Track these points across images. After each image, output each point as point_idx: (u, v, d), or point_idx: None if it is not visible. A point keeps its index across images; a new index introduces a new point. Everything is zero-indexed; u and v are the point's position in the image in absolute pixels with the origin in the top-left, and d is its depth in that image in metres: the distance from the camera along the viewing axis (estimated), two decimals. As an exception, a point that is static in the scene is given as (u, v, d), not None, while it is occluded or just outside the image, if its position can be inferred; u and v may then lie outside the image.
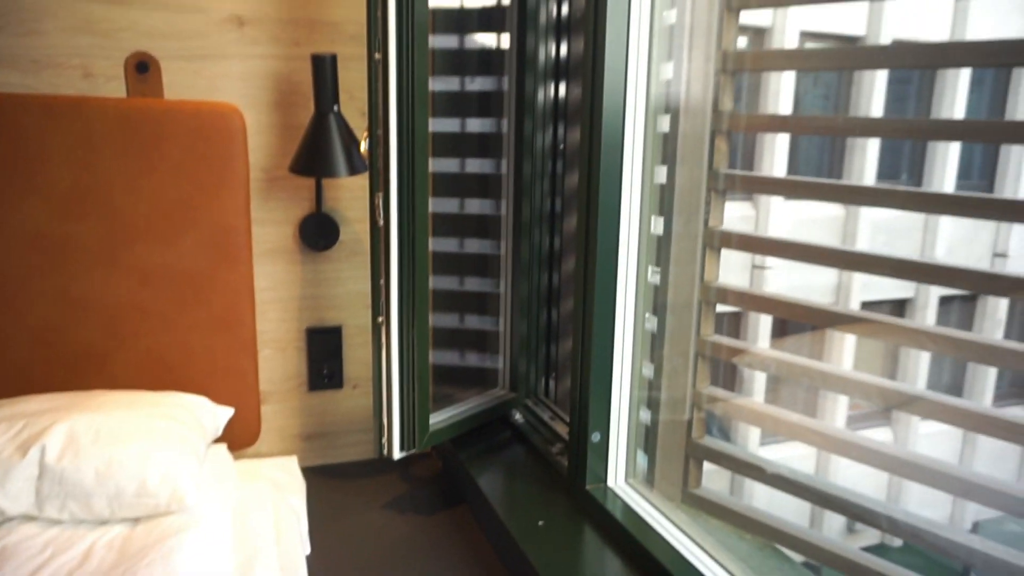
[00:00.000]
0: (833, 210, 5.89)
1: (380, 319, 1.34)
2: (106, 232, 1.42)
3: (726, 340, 1.11)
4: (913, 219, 5.84)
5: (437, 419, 1.48)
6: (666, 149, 1.18)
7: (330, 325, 1.64)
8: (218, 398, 1.51)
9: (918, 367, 5.85)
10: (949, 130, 0.90)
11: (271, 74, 1.50)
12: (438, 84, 1.46)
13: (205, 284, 1.49)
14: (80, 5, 1.38)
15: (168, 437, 1.21)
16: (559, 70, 1.54)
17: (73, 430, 1.18)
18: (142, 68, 1.43)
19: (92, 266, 1.43)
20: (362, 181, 1.58)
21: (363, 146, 1.43)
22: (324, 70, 1.37)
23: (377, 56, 1.24)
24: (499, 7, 1.50)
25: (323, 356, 1.64)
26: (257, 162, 1.53)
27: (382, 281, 1.32)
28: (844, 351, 5.38)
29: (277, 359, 1.62)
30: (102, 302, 1.44)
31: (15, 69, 1.37)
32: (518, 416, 1.61)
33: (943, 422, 0.91)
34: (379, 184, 1.28)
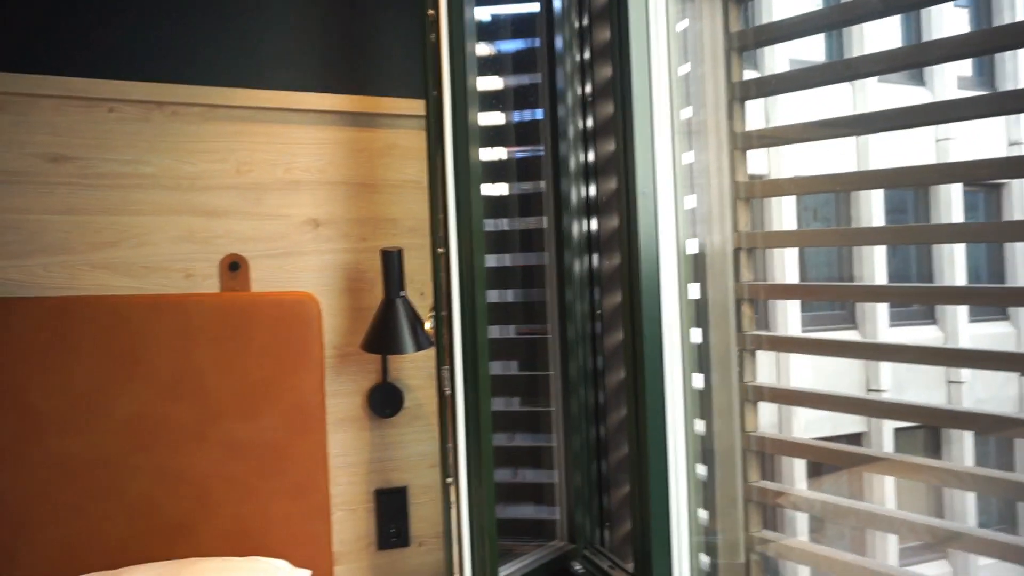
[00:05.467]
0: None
1: (449, 480, 1.46)
2: (199, 411, 1.59)
3: (771, 485, 1.22)
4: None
5: (504, 573, 1.56)
6: (698, 313, 1.35)
7: (396, 486, 1.76)
8: (295, 561, 1.61)
9: (966, 497, 5.71)
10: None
11: (342, 265, 1.73)
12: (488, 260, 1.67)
13: (284, 454, 1.63)
14: (184, 219, 1.63)
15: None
16: (591, 244, 1.76)
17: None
18: (234, 267, 1.66)
19: (185, 442, 1.58)
20: (424, 353, 1.76)
21: (427, 324, 1.63)
22: (392, 262, 1.59)
23: (440, 250, 1.45)
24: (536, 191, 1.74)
25: (390, 516, 1.75)
26: (330, 340, 1.72)
27: (450, 444, 1.46)
28: (887, 484, 5.30)
29: (348, 520, 1.73)
30: (193, 475, 1.59)
31: (128, 275, 1.60)
32: (578, 567, 1.68)
33: (993, 558, 0.97)
34: (445, 358, 1.45)
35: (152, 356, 1.56)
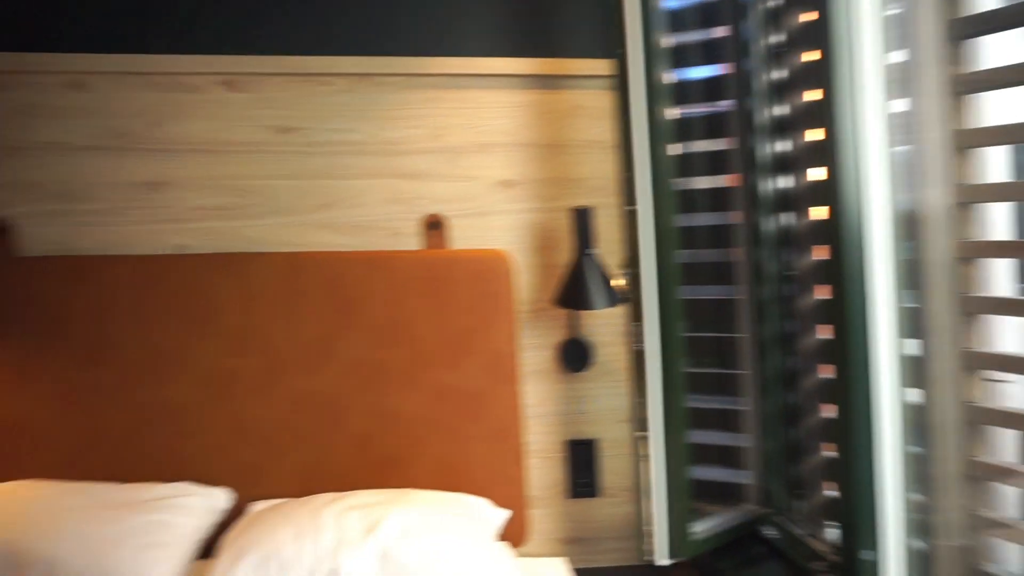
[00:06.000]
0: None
1: (640, 434, 1.49)
2: (409, 357, 1.74)
3: (995, 461, 1.12)
4: None
5: (694, 530, 1.57)
6: (911, 273, 1.24)
7: (586, 438, 1.82)
8: (495, 501, 1.72)
9: None
10: None
11: (532, 224, 1.79)
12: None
13: (484, 401, 1.75)
14: (389, 182, 1.77)
15: (470, 533, 1.44)
16: (783, 202, 1.66)
17: (402, 520, 1.45)
18: (434, 226, 1.78)
19: (398, 385, 1.74)
20: (612, 310, 1.78)
21: (617, 282, 1.64)
22: (582, 220, 1.62)
23: (630, 207, 1.46)
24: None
25: (581, 466, 1.82)
26: (521, 296, 1.80)
27: (641, 400, 1.48)
28: None
29: (541, 468, 1.82)
30: (404, 415, 1.74)
31: (344, 233, 1.77)
32: (770, 532, 1.65)
33: None
34: (636, 314, 1.47)
35: (368, 307, 1.72)
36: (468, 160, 1.77)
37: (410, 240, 1.78)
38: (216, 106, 1.71)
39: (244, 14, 1.70)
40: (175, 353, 1.70)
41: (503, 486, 1.75)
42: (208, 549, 1.61)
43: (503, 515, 1.70)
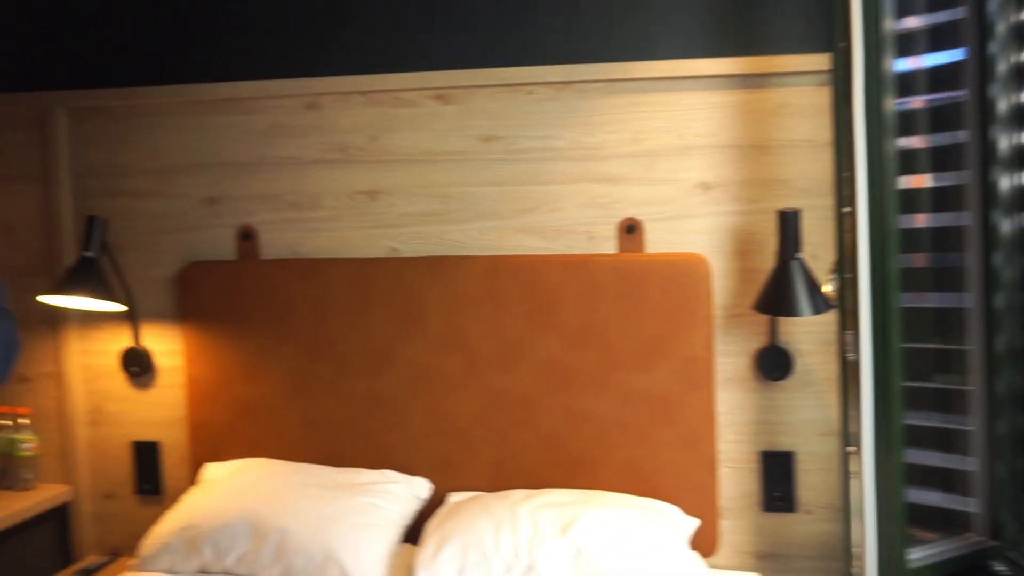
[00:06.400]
0: None
1: (850, 449, 1.41)
2: (600, 360, 1.76)
3: None
4: None
5: (911, 557, 1.46)
6: None
7: (783, 450, 1.74)
8: (683, 508, 1.70)
9: None
10: None
11: (731, 227, 1.75)
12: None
13: (674, 406, 1.73)
14: (587, 186, 1.80)
15: (662, 539, 1.44)
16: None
17: (596, 521, 1.47)
18: (630, 229, 1.79)
19: (588, 387, 1.77)
20: (818, 318, 1.69)
21: (826, 287, 1.57)
22: (789, 223, 1.56)
23: (846, 209, 1.38)
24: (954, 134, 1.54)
25: (776, 478, 1.75)
26: (718, 301, 1.76)
27: (852, 413, 1.40)
28: None
29: (733, 477, 1.77)
30: (593, 416, 1.77)
31: (542, 237, 1.83)
32: (1001, 567, 1.49)
33: None
34: (849, 322, 1.39)
35: (563, 309, 1.77)
36: (667, 163, 1.76)
37: (606, 244, 1.80)
38: (429, 118, 1.83)
39: (456, 30, 1.81)
40: (385, 349, 1.84)
41: (692, 494, 1.72)
42: (407, 535, 1.72)
43: (693, 523, 1.67)
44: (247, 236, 1.93)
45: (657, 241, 1.78)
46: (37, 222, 2.02)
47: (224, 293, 1.90)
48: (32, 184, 2.01)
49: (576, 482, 1.78)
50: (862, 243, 1.36)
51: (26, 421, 1.98)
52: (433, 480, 1.82)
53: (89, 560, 1.99)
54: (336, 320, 1.85)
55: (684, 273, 1.72)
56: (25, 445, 1.96)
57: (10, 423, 1.97)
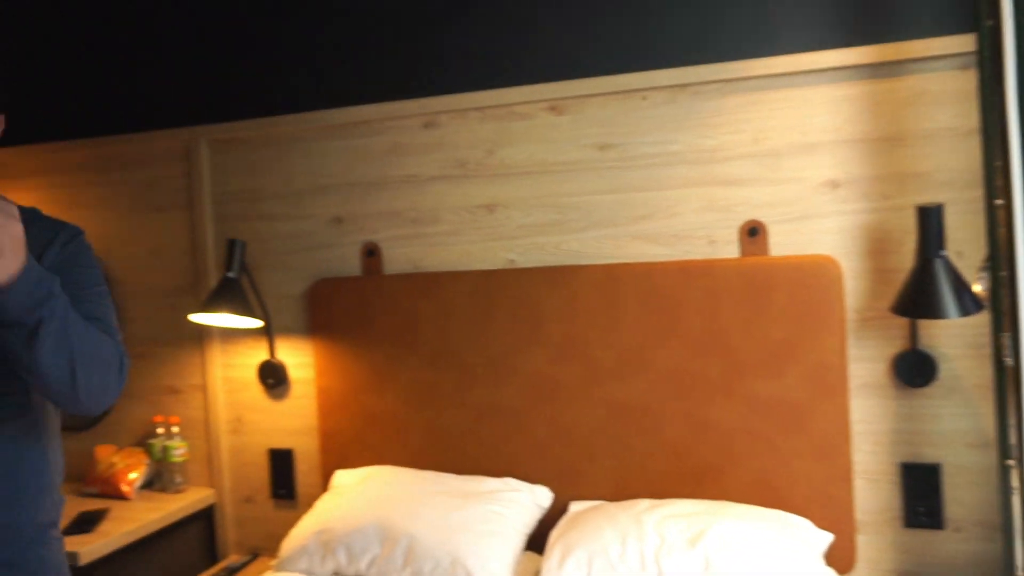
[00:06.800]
0: None
1: (1009, 462, 1.30)
2: (724, 367, 1.71)
3: None
4: None
5: (1084, 579, 1.33)
6: None
7: (927, 462, 1.63)
8: (816, 522, 1.62)
9: None
10: None
11: (862, 225, 1.66)
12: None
13: (804, 414, 1.66)
14: (706, 190, 1.76)
15: (796, 554, 1.37)
16: None
17: (726, 533, 1.43)
18: (753, 233, 1.73)
19: (713, 395, 1.72)
20: (966, 320, 1.58)
21: (975, 287, 1.46)
22: (930, 219, 1.47)
23: (999, 202, 1.28)
24: None
25: (919, 492, 1.64)
26: (850, 304, 1.67)
27: (1011, 422, 1.29)
28: None
29: (869, 490, 1.67)
30: (719, 425, 1.72)
31: (660, 244, 1.80)
32: None
33: None
34: (1005, 324, 1.29)
35: (683, 316, 1.73)
36: (790, 162, 1.70)
37: (727, 248, 1.76)
38: (543, 130, 1.85)
39: (566, 40, 1.82)
40: (505, 359, 1.86)
41: (825, 507, 1.64)
42: (528, 543, 1.73)
43: (827, 538, 1.59)
44: (371, 253, 2.01)
45: (782, 243, 1.72)
46: (183, 246, 2.19)
47: (351, 308, 1.98)
48: (179, 211, 2.18)
49: (701, 492, 1.73)
50: (1019, 238, 1.26)
51: (177, 429, 2.14)
52: (554, 489, 1.82)
53: (232, 559, 2.12)
54: (457, 331, 1.90)
55: (812, 275, 1.65)
56: (177, 451, 2.12)
57: (163, 431, 2.14)
